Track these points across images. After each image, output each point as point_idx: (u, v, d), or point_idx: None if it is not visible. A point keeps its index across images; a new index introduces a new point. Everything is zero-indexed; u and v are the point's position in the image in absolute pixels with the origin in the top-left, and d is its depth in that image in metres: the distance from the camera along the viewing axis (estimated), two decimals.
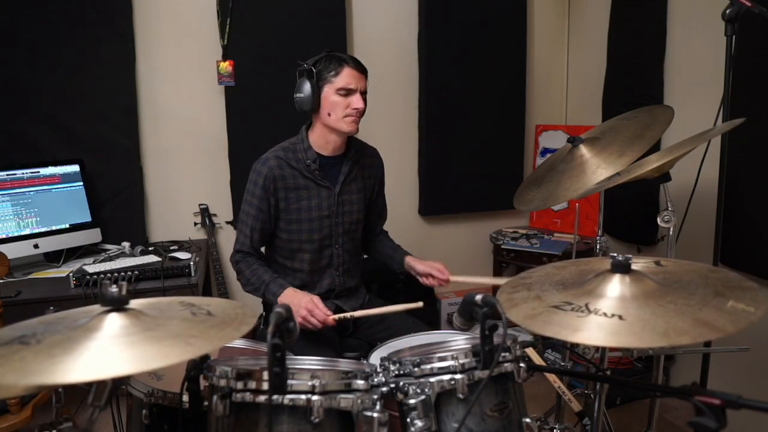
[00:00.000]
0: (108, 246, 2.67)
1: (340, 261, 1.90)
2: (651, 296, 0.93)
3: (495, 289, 3.18)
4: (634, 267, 1.00)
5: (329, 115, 1.74)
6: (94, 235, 2.63)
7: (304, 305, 1.65)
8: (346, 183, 1.87)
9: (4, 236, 2.36)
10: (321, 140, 1.82)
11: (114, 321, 0.87)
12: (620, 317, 0.87)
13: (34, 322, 0.93)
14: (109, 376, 0.77)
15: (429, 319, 3.07)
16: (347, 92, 1.72)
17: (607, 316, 0.88)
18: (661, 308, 0.89)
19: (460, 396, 1.03)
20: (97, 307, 0.92)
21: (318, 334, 1.76)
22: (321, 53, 1.77)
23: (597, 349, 1.61)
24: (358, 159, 1.91)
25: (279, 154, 1.81)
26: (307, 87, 1.73)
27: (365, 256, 2.12)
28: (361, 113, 1.76)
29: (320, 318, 1.64)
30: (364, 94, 1.76)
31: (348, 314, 1.69)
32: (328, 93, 1.73)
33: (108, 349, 0.81)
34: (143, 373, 1.31)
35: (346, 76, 1.72)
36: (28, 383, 0.74)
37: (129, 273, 2.17)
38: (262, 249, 1.92)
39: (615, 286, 0.97)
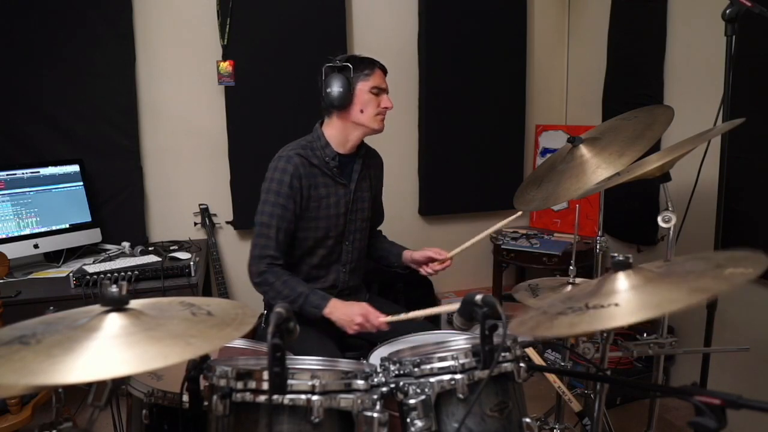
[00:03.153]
0: (108, 246, 2.67)
1: (349, 258, 1.90)
2: (650, 282, 0.94)
3: (495, 289, 3.18)
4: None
5: (362, 111, 1.77)
6: (94, 235, 2.63)
7: (358, 313, 1.63)
8: (359, 181, 1.88)
9: (4, 236, 2.36)
10: (341, 137, 1.81)
11: (114, 321, 0.87)
12: (616, 305, 0.88)
13: (34, 322, 0.93)
14: (109, 376, 0.77)
15: (429, 319, 3.06)
16: (379, 91, 1.77)
17: (604, 307, 0.89)
18: (657, 288, 0.90)
19: (460, 396, 1.03)
20: (97, 307, 0.92)
21: (318, 334, 1.76)
22: (346, 54, 1.81)
23: (597, 349, 1.61)
24: (367, 158, 1.93)
25: (300, 151, 1.78)
26: (340, 82, 1.73)
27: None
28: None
29: (376, 323, 1.63)
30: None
31: (402, 315, 1.63)
32: (362, 90, 1.76)
33: (108, 349, 0.81)
34: (143, 373, 1.32)
35: (379, 77, 1.78)
36: (28, 383, 0.74)
37: (129, 273, 2.17)
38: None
39: (616, 284, 0.96)
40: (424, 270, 1.90)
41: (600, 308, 0.89)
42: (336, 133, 1.81)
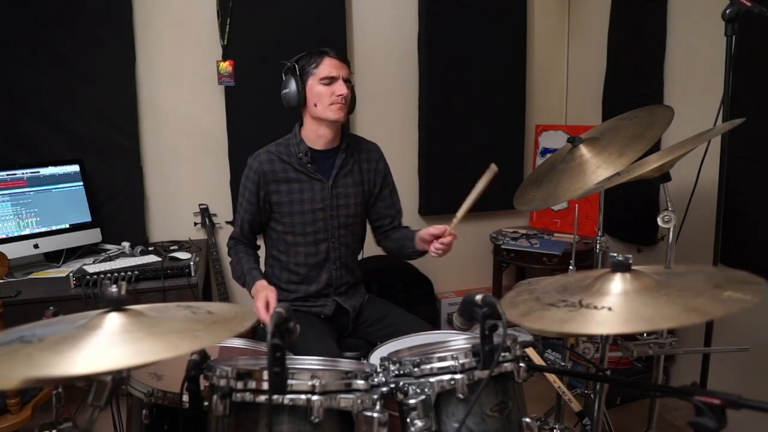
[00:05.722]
0: (108, 246, 2.67)
1: (337, 255, 1.90)
2: (646, 291, 0.92)
3: (495, 289, 3.18)
4: (637, 267, 0.99)
5: (315, 105, 1.78)
6: (94, 235, 2.63)
7: (260, 297, 1.70)
8: (340, 176, 1.87)
9: (4, 236, 2.36)
10: (313, 134, 1.84)
11: (114, 321, 0.87)
12: (609, 309, 0.88)
13: (31, 326, 0.93)
14: (121, 366, 0.77)
15: (429, 319, 3.07)
16: (330, 80, 1.76)
17: (597, 308, 0.89)
18: (653, 300, 0.88)
19: (460, 396, 1.03)
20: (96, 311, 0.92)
21: (318, 334, 1.76)
22: (300, 54, 1.82)
23: (597, 349, 1.61)
24: (354, 152, 1.91)
25: (271, 149, 1.86)
26: (292, 83, 1.79)
27: (377, 254, 2.11)
28: (346, 100, 1.78)
29: (261, 316, 1.64)
30: (347, 81, 1.79)
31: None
32: (312, 84, 1.78)
33: (116, 343, 0.81)
34: (145, 371, 1.32)
35: (327, 66, 1.77)
36: (37, 375, 0.73)
37: (129, 273, 2.16)
38: (260, 241, 1.99)
39: (612, 284, 0.96)
40: (432, 250, 1.75)
41: (593, 309, 0.88)
42: (308, 131, 1.86)
